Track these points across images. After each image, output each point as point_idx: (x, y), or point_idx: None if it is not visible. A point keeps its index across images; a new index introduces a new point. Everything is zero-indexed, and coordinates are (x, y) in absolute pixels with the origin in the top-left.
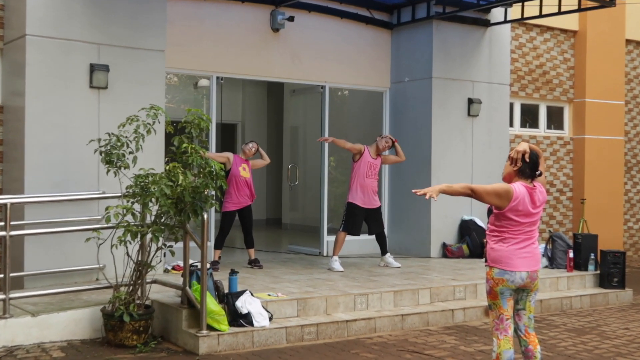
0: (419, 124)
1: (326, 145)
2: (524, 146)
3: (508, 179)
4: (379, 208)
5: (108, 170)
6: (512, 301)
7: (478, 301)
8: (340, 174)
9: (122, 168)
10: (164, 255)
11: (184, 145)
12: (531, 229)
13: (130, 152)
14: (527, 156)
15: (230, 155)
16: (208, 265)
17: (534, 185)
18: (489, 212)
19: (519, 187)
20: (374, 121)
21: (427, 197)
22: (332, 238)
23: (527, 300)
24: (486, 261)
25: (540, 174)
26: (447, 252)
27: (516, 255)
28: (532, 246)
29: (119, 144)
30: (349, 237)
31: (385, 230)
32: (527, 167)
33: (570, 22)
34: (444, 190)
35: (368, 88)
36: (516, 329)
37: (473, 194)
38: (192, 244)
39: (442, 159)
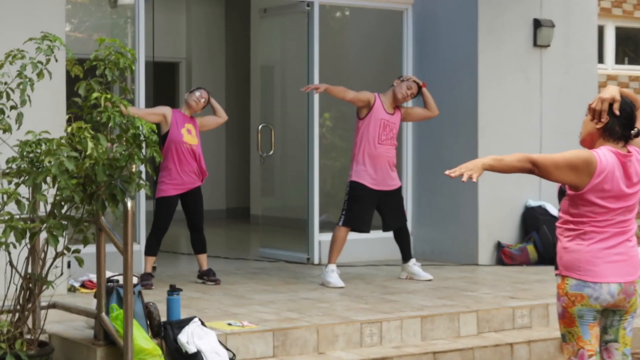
0: (458, 60)
1: (316, 95)
2: (612, 92)
3: (589, 141)
4: (399, 190)
5: None
6: (598, 329)
7: (551, 330)
8: (340, 138)
9: (0, 131)
10: (68, 266)
11: (95, 95)
12: (625, 218)
13: (12, 107)
14: (616, 107)
15: (166, 110)
16: (136, 280)
17: (629, 152)
18: (561, 194)
19: (605, 155)
20: (388, 57)
21: (464, 179)
22: (327, 237)
23: (620, 327)
24: (557, 268)
25: (638, 134)
26: (503, 256)
27: (602, 259)
28: (627, 245)
29: None
30: (353, 235)
31: (409, 225)
32: (616, 123)
33: None
34: (490, 166)
35: (379, 5)
36: None
37: (535, 168)
38: (110, 247)
39: (493, 114)
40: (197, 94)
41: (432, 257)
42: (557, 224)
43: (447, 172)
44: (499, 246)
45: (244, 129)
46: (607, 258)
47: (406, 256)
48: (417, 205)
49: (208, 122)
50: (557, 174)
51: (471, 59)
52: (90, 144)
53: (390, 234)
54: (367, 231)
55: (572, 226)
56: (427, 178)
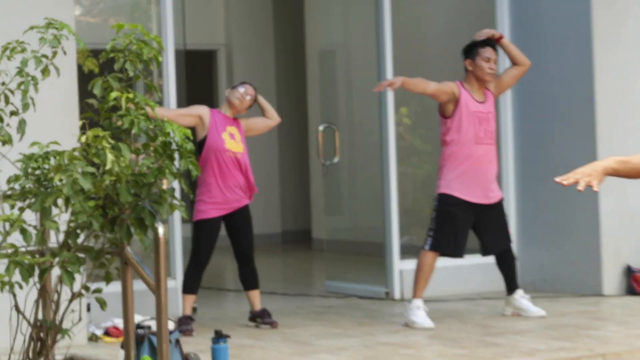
0: (567, 36)
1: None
2: None
3: None
4: (501, 204)
5: None
6: None
7: None
8: (422, 139)
9: None
10: (87, 309)
11: (114, 95)
12: None
13: (12, 113)
14: None
15: (203, 111)
16: (172, 325)
17: None
18: None
19: None
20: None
21: (580, 187)
22: (411, 265)
23: None
24: None
25: None
26: (634, 283)
27: None
28: None
29: None
30: (443, 262)
31: (514, 247)
32: None
33: None
34: (614, 170)
35: None
36: None
37: None
38: (138, 284)
39: (614, 102)
40: (242, 89)
41: (544, 287)
42: None
43: (558, 180)
44: (629, 271)
45: (301, 131)
46: None
47: (511, 287)
48: (523, 222)
49: (256, 125)
50: None
51: (583, 32)
52: (110, 157)
53: (490, 259)
54: (461, 256)
55: None
56: (534, 187)
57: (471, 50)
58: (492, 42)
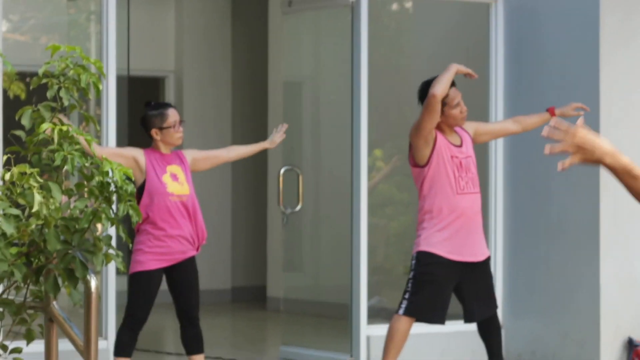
0: (571, 69)
1: (363, 127)
2: None
3: None
4: (488, 262)
5: None
6: None
7: None
8: (398, 187)
9: None
10: None
11: (45, 126)
12: None
13: None
14: None
15: (137, 153)
16: None
17: None
18: None
19: None
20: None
21: (562, 166)
22: (381, 331)
23: None
24: None
25: None
26: (637, 359)
27: None
28: None
29: None
30: (419, 328)
31: (499, 314)
32: None
33: None
34: (616, 171)
35: None
36: None
37: None
38: (64, 343)
39: (622, 145)
40: (170, 114)
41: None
42: None
43: (561, 167)
44: (631, 345)
45: (258, 174)
46: None
47: (495, 358)
48: (511, 285)
49: (208, 158)
50: None
51: (590, 68)
52: (37, 197)
53: (472, 326)
54: (442, 322)
55: None
56: (526, 245)
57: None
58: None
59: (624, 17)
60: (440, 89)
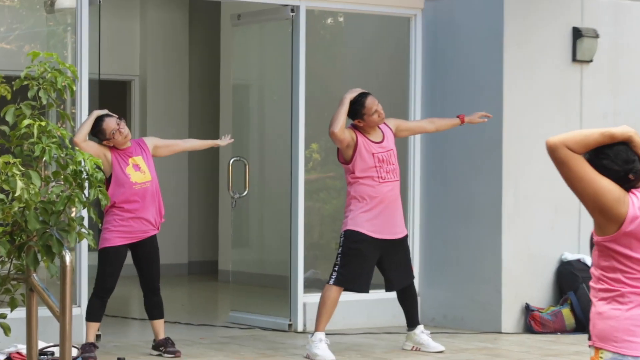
0: (479, 79)
1: (301, 122)
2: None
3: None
4: (405, 239)
5: None
6: None
7: None
8: (330, 177)
9: None
10: None
11: (26, 122)
12: None
13: None
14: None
15: (106, 151)
16: (75, 352)
17: None
18: (592, 243)
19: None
20: (390, 74)
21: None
22: (315, 298)
23: None
24: (590, 338)
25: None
26: (532, 322)
27: None
28: None
29: None
30: (345, 296)
31: (416, 283)
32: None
33: None
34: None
35: (381, 10)
36: None
37: (568, 165)
38: (43, 310)
39: (521, 145)
40: (105, 126)
41: (444, 323)
42: (590, 283)
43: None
44: (528, 310)
45: (211, 163)
46: None
47: (412, 322)
48: (426, 260)
49: (167, 145)
50: (586, 198)
51: (495, 78)
52: (19, 184)
53: (393, 294)
54: (367, 291)
55: (606, 285)
56: (439, 226)
57: (356, 112)
58: (365, 93)
59: (523, 30)
60: (337, 126)
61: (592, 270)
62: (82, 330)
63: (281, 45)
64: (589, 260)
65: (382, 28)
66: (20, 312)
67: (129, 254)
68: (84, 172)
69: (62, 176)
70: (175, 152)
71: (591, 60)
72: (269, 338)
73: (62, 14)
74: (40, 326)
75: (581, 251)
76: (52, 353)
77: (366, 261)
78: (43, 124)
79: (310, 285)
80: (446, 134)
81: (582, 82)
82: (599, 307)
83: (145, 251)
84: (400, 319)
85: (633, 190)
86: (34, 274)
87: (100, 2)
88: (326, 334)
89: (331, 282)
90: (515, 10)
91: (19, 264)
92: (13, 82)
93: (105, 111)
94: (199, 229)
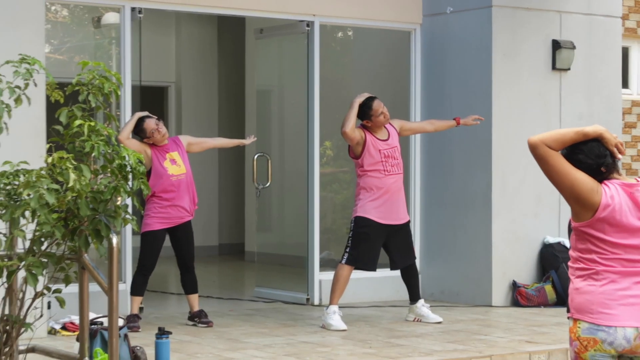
0: (470, 85)
1: (316, 122)
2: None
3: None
4: (408, 225)
5: None
6: None
7: None
8: (342, 169)
9: None
10: (48, 307)
11: (77, 122)
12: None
13: None
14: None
15: (147, 147)
16: (121, 322)
17: (637, 180)
18: (570, 229)
19: (614, 188)
20: (394, 81)
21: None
22: (329, 276)
23: None
24: (569, 311)
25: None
26: (519, 297)
27: (617, 301)
28: None
29: None
30: (356, 274)
31: (417, 263)
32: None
33: None
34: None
35: (385, 25)
36: None
37: (547, 160)
38: (93, 286)
39: (508, 142)
40: (146, 126)
41: (442, 297)
42: (569, 263)
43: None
44: (515, 286)
45: (238, 158)
46: (622, 300)
47: (414, 297)
48: (426, 242)
49: (199, 142)
50: (562, 186)
51: (484, 84)
52: (72, 176)
53: (397, 272)
54: (374, 270)
55: (582, 265)
56: (437, 212)
57: (365, 114)
58: (372, 97)
59: (509, 42)
60: (348, 126)
61: (571, 252)
62: (127, 304)
63: (298, 55)
64: (567, 243)
65: (386, 41)
66: (74, 288)
67: (167, 237)
68: (128, 166)
69: (109, 169)
70: (206, 148)
71: (569, 69)
72: (289, 310)
73: (108, 28)
74: (90, 300)
75: (561, 235)
76: (101, 323)
77: (373, 243)
78: (92, 124)
79: (325, 264)
80: (444, 134)
81: (561, 87)
82: (576, 284)
83: (181, 235)
84: (404, 294)
85: (605, 181)
86: (85, 255)
87: (140, 18)
88: (339, 307)
89: (343, 261)
90: (502, 26)
91: (72, 246)
92: (65, 88)
93: (145, 113)
94: (228, 216)
